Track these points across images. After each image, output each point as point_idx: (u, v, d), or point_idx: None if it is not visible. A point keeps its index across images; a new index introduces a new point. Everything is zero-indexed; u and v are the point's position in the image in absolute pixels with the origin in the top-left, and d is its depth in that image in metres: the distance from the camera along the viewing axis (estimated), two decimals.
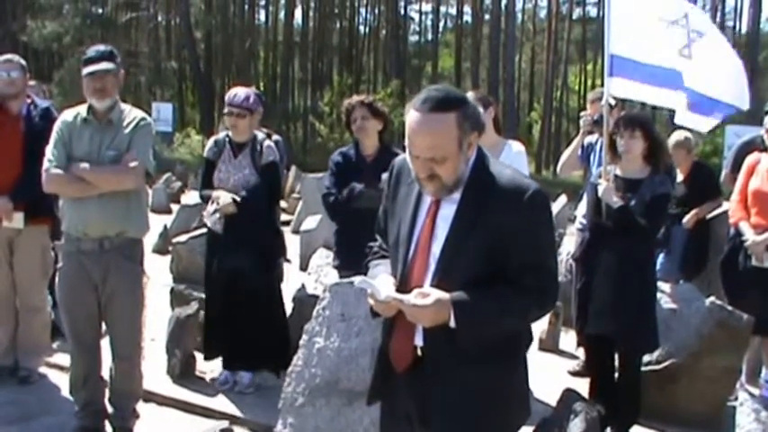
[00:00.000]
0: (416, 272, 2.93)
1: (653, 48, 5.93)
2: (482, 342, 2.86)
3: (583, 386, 5.70)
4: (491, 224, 2.80)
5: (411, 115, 2.81)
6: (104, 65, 4.94)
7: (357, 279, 2.94)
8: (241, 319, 6.05)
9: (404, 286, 2.91)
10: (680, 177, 7.63)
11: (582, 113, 6.97)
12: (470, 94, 6.08)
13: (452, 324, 2.78)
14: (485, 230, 2.81)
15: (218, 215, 5.99)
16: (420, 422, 3.01)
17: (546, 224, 2.95)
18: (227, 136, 6.21)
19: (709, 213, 7.67)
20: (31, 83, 6.92)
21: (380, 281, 2.96)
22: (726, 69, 6.13)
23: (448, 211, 2.90)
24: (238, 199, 5.91)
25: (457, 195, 2.88)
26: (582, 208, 6.93)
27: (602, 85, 6.22)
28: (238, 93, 6.13)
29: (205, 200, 6.21)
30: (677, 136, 7.87)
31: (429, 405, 2.95)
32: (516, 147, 5.99)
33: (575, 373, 6.90)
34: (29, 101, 6.10)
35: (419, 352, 2.96)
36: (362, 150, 6.10)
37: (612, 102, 6.03)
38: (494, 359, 2.91)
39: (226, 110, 6.12)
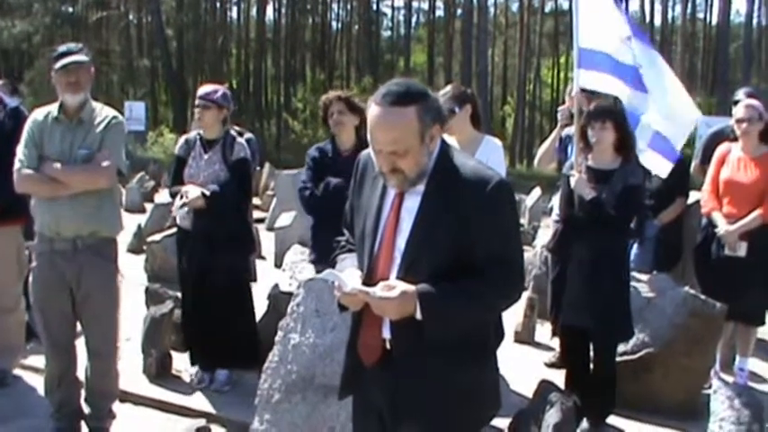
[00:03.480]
0: (382, 265, 2.93)
1: (616, 44, 6.00)
2: (449, 334, 2.85)
3: (559, 378, 5.74)
4: (455, 216, 2.80)
5: (372, 109, 2.82)
6: (78, 57, 4.91)
7: (324, 271, 2.95)
8: (211, 317, 6.05)
9: (370, 279, 2.91)
10: None
11: (560, 107, 6.97)
12: (448, 89, 6.09)
13: (418, 316, 2.77)
14: (449, 222, 2.81)
15: (185, 209, 5.96)
16: (390, 415, 3.01)
17: (510, 215, 2.96)
18: (199, 134, 6.19)
19: (674, 215, 7.66)
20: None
21: (347, 274, 2.96)
22: (672, 105, 6.20)
23: (412, 204, 2.90)
24: (207, 193, 5.87)
25: (421, 188, 2.88)
26: (558, 200, 6.96)
27: None
28: (206, 87, 6.16)
29: (174, 196, 6.19)
30: None
31: (398, 398, 2.95)
32: (494, 142, 5.99)
33: (551, 365, 6.92)
34: None
35: (387, 345, 2.96)
36: (339, 145, 6.12)
37: (578, 95, 6.06)
38: (462, 351, 2.91)
39: (195, 103, 6.13)
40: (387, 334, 2.95)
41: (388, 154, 2.81)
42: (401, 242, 2.90)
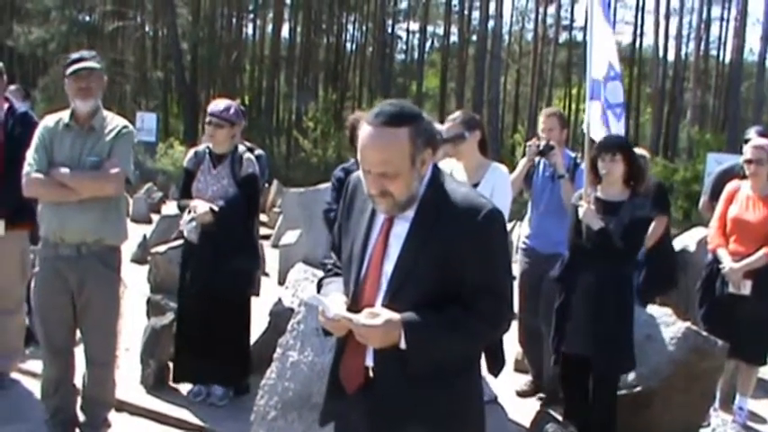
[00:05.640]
0: (368, 291, 2.88)
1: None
2: (433, 364, 2.79)
3: (533, 406, 5.76)
4: (444, 244, 2.75)
5: (363, 129, 2.77)
6: (89, 63, 4.95)
7: (308, 295, 2.91)
8: (210, 331, 6.03)
9: (355, 305, 2.85)
10: None
11: (528, 143, 6.89)
12: (458, 114, 6.12)
13: (402, 345, 2.72)
14: (437, 250, 2.75)
15: (194, 224, 5.97)
16: None
17: (500, 245, 2.90)
18: (208, 147, 6.19)
19: (658, 234, 7.62)
20: (12, 87, 6.87)
21: (332, 299, 2.90)
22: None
23: (401, 230, 2.84)
24: (216, 208, 5.89)
25: (411, 213, 2.83)
26: (525, 229, 6.96)
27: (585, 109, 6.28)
28: (219, 103, 6.14)
29: (183, 209, 6.20)
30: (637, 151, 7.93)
31: (381, 426, 2.89)
32: (500, 169, 6.02)
33: (522, 393, 6.88)
34: (6, 105, 6.06)
35: (370, 373, 2.90)
36: None
37: (590, 126, 6.06)
38: (446, 380, 2.85)
39: (207, 119, 6.12)
40: (369, 361, 2.89)
41: (378, 176, 2.75)
42: (388, 268, 2.85)
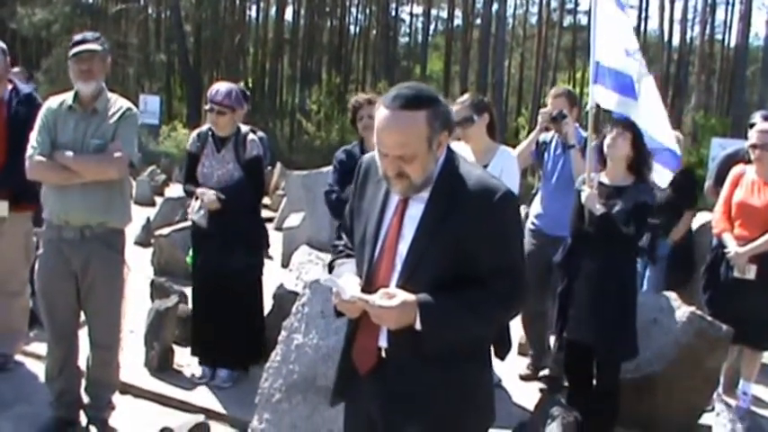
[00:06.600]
0: (382, 272, 2.89)
1: (622, 57, 5.98)
2: (447, 345, 2.81)
3: (536, 389, 5.85)
4: (459, 225, 2.76)
5: (381, 112, 2.77)
6: (91, 45, 4.93)
7: (323, 277, 2.91)
8: (223, 314, 6.05)
9: (369, 286, 2.86)
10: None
11: (542, 109, 6.85)
12: (466, 96, 6.10)
13: (418, 326, 2.72)
14: (452, 231, 2.76)
15: (202, 212, 5.97)
16: (384, 424, 2.97)
17: (514, 226, 2.93)
18: (210, 129, 6.17)
19: (684, 230, 7.62)
20: (15, 69, 6.85)
21: (346, 280, 2.90)
22: (663, 115, 6.19)
23: (416, 211, 2.86)
24: (223, 197, 5.90)
25: (425, 194, 2.84)
26: (535, 208, 6.93)
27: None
28: (220, 89, 6.07)
29: (189, 194, 6.20)
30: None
31: (392, 407, 2.90)
32: (509, 152, 6.01)
33: (525, 377, 6.89)
34: (10, 86, 6.04)
35: (383, 353, 2.92)
36: (367, 149, 6.07)
37: (593, 109, 6.01)
38: (458, 361, 2.87)
39: (207, 106, 6.08)
40: (383, 342, 2.91)
41: (395, 158, 2.76)
42: (403, 249, 2.86)
